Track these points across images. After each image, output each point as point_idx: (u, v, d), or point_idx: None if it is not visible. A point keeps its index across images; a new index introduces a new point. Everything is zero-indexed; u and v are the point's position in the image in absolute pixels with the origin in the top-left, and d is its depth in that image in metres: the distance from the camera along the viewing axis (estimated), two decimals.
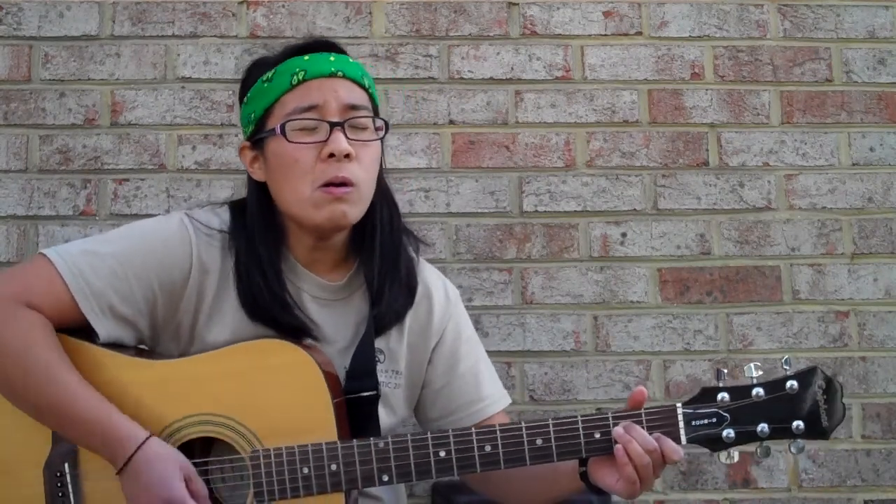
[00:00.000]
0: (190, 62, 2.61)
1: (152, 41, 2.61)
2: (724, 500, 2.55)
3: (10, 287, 1.72)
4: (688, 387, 2.56)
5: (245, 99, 1.87)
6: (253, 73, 1.87)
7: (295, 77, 1.78)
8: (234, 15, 2.63)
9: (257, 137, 1.83)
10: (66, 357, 1.70)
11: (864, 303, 2.61)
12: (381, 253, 1.87)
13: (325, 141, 1.75)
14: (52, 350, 1.69)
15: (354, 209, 1.79)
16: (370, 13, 2.65)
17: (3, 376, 1.70)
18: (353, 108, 1.79)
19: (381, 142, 1.87)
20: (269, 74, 1.81)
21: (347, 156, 1.75)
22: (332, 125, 1.76)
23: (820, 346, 2.60)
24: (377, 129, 1.84)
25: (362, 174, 1.78)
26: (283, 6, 2.64)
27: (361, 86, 1.84)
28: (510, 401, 2.03)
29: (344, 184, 1.75)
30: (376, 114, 1.88)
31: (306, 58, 1.81)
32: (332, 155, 1.74)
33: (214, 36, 2.62)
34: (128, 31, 2.61)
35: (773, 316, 2.60)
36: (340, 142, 1.75)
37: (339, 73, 1.80)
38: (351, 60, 1.85)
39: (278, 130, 1.76)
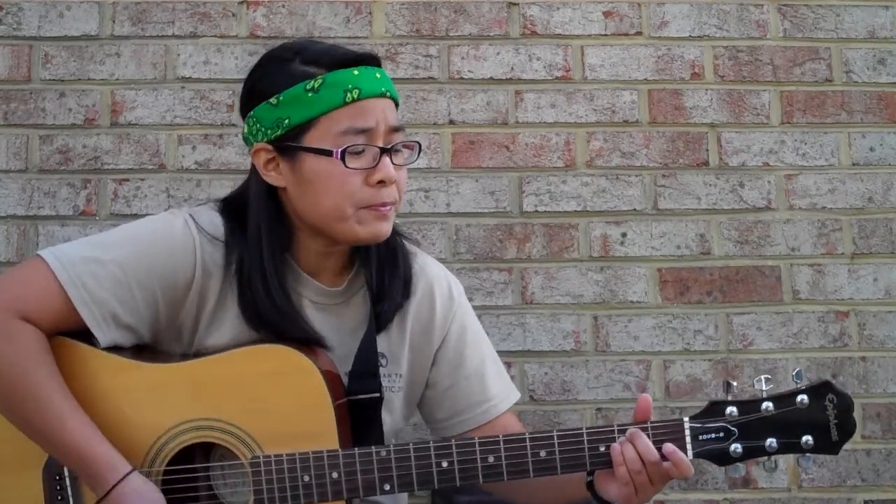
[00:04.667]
0: (190, 62, 2.61)
1: (152, 41, 2.61)
2: (724, 500, 2.55)
3: (5, 297, 1.69)
4: (688, 387, 2.56)
5: (273, 101, 1.75)
6: (270, 74, 1.78)
7: (349, 94, 1.71)
8: (234, 15, 2.63)
9: (288, 145, 1.75)
10: (58, 377, 1.68)
11: (864, 303, 2.61)
12: (378, 253, 1.86)
13: (375, 167, 1.72)
14: (43, 370, 1.67)
15: (391, 224, 1.79)
16: (370, 13, 2.65)
17: None
18: (396, 130, 1.76)
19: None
20: (315, 84, 1.72)
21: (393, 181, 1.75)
22: (382, 151, 1.73)
23: (820, 346, 2.60)
24: (406, 147, 1.81)
25: (398, 195, 1.77)
26: (283, 6, 2.64)
27: (398, 103, 1.82)
28: (518, 395, 2.00)
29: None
30: None
31: (356, 72, 1.73)
32: (380, 181, 1.72)
33: (214, 36, 2.62)
34: (128, 31, 2.61)
35: (773, 316, 2.60)
36: (389, 169, 1.72)
37: (388, 94, 1.76)
38: (388, 75, 1.82)
39: (337, 155, 1.70)
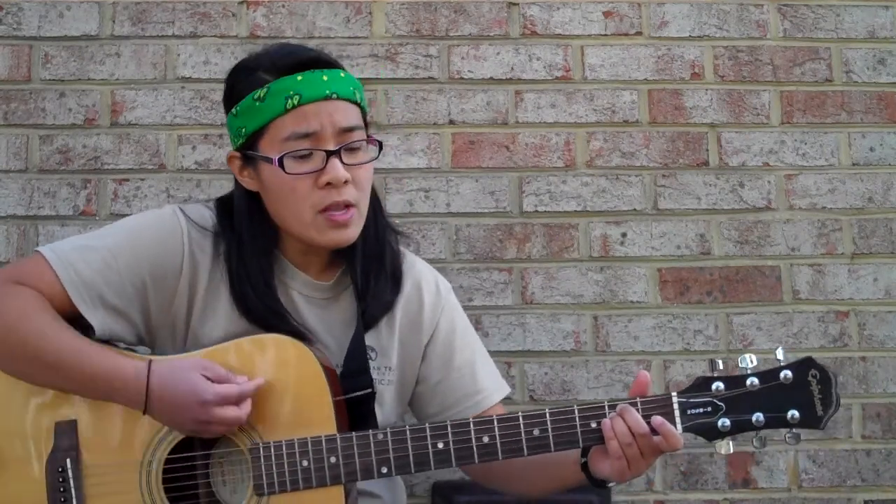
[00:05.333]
0: (190, 62, 2.61)
1: (152, 41, 2.61)
2: (724, 500, 2.54)
3: (3, 275, 1.76)
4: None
5: (234, 111, 1.82)
6: (238, 82, 1.84)
7: (290, 101, 1.75)
8: (234, 15, 2.63)
9: (248, 154, 1.82)
10: (60, 319, 1.72)
11: (864, 303, 2.61)
12: (364, 251, 1.88)
13: (322, 169, 1.75)
14: (46, 315, 1.71)
15: (355, 229, 1.81)
16: (370, 13, 2.65)
17: (3, 348, 1.72)
18: (348, 130, 1.79)
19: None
20: (261, 93, 1.77)
21: (345, 182, 1.76)
22: (329, 154, 1.76)
23: (820, 346, 2.59)
24: (369, 143, 1.84)
25: (359, 194, 1.80)
26: (283, 6, 2.64)
27: (354, 102, 1.82)
28: (509, 389, 2.03)
29: (347, 206, 1.77)
30: (366, 121, 1.88)
31: (299, 78, 1.77)
32: (328, 183, 1.75)
33: (214, 36, 2.62)
34: (128, 31, 2.61)
35: (773, 316, 2.60)
36: (338, 170, 1.75)
37: (334, 95, 1.77)
38: (342, 75, 1.82)
39: (276, 162, 1.75)
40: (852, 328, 2.60)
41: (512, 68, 2.65)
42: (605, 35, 2.68)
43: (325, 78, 1.79)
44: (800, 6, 2.70)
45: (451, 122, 2.62)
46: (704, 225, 2.62)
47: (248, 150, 1.81)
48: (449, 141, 2.62)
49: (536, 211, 2.61)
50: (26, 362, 1.72)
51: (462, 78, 2.64)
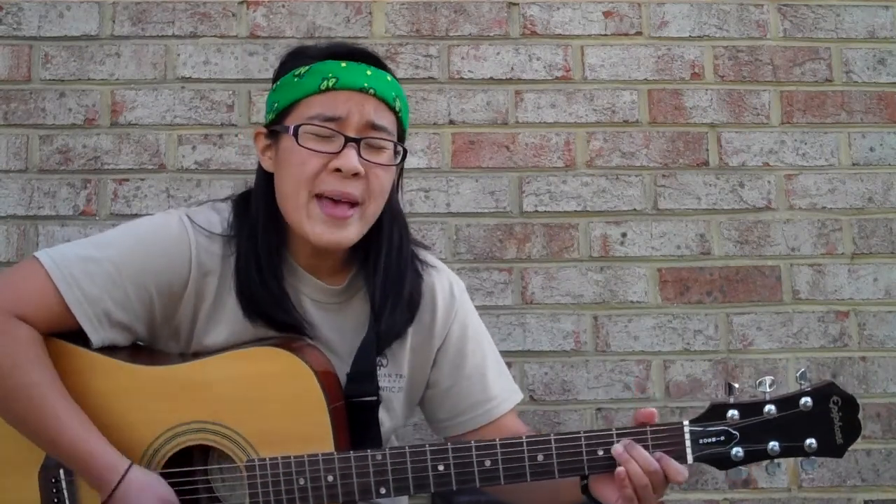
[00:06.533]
0: (190, 62, 2.61)
1: (152, 41, 2.61)
2: (724, 500, 2.55)
3: (1, 297, 1.69)
4: (688, 387, 2.56)
5: (274, 85, 1.82)
6: (289, 62, 1.82)
7: (325, 82, 1.73)
8: (234, 15, 2.63)
9: (274, 129, 1.79)
10: (53, 375, 1.67)
11: (864, 303, 2.61)
12: (385, 275, 1.83)
13: (337, 154, 1.71)
14: (38, 370, 1.66)
15: (354, 231, 1.75)
16: (370, 13, 2.65)
17: None
18: (375, 127, 1.74)
19: (399, 167, 1.83)
20: (303, 70, 1.76)
21: (356, 174, 1.71)
22: (348, 140, 1.71)
23: (820, 346, 2.60)
24: (395, 152, 1.79)
25: (369, 195, 1.74)
26: (283, 6, 2.64)
27: (391, 108, 1.78)
28: (521, 395, 1.99)
29: (350, 203, 1.72)
30: (401, 138, 1.83)
31: (343, 65, 1.75)
32: (338, 170, 1.70)
33: (214, 36, 2.62)
34: (128, 31, 2.61)
35: (773, 316, 2.60)
36: (350, 159, 1.70)
37: (371, 91, 1.74)
38: (389, 79, 1.79)
39: (291, 131, 1.72)
40: (852, 328, 2.60)
41: (512, 68, 2.65)
42: (605, 35, 2.67)
43: (368, 73, 1.76)
44: (800, 6, 2.70)
45: (451, 122, 2.62)
46: (704, 225, 2.62)
47: (275, 124, 1.79)
48: (449, 141, 2.62)
49: (536, 211, 2.61)
50: (9, 414, 1.68)
51: (462, 78, 2.64)
